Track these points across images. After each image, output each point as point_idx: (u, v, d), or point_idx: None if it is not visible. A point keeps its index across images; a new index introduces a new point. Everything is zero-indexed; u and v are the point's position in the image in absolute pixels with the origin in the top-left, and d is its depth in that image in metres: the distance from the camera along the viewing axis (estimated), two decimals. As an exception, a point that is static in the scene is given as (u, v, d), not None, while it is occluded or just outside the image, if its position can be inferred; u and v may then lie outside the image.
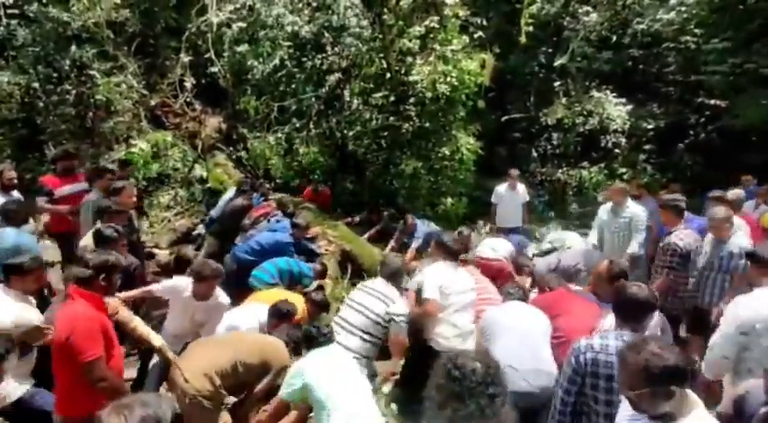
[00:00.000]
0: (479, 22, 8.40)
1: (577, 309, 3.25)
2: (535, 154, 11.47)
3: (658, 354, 1.61)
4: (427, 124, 7.57)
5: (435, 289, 3.30)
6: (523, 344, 2.96)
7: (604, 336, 2.26)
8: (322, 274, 4.53)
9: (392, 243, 6.67)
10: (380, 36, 7.31)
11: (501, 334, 3.04)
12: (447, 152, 7.55)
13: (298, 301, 3.73)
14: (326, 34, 7.66)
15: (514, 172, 6.97)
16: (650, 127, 10.66)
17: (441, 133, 7.63)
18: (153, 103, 8.41)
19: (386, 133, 7.96)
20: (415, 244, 6.26)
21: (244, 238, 5.49)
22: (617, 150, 10.90)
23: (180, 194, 7.77)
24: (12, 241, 3.80)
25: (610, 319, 2.54)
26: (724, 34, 9.17)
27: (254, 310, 3.62)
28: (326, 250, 5.64)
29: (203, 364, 2.79)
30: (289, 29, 7.43)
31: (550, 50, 10.85)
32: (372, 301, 3.39)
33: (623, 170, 10.37)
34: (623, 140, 10.71)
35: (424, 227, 6.43)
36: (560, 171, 11.08)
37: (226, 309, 3.64)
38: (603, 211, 5.37)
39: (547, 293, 3.39)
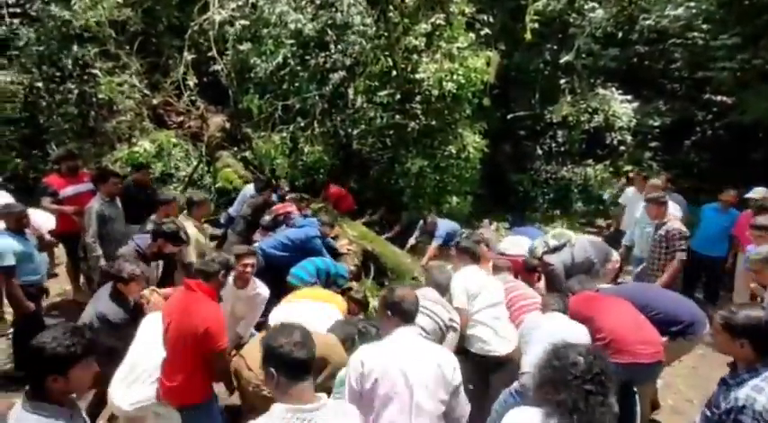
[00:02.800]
0: (485, 19, 8.32)
1: (613, 307, 3.25)
2: (540, 151, 11.40)
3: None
4: (433, 122, 7.50)
5: (463, 296, 3.37)
6: None
7: None
8: (356, 276, 4.54)
9: (411, 240, 6.65)
10: (385, 34, 7.23)
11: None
12: (453, 150, 7.47)
13: (340, 300, 3.84)
14: (330, 32, 7.57)
15: (642, 173, 7.02)
16: (656, 124, 10.58)
17: (447, 131, 7.56)
18: (155, 102, 8.36)
19: (391, 132, 7.91)
20: (435, 243, 6.23)
21: (264, 235, 5.40)
22: (622, 148, 10.83)
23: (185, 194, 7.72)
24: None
25: None
26: (732, 30, 9.06)
27: (322, 309, 3.62)
28: (348, 250, 5.55)
29: None
30: (292, 27, 7.34)
31: (555, 47, 10.75)
32: (435, 306, 3.25)
33: (629, 168, 10.29)
34: (629, 138, 10.63)
35: (444, 226, 6.39)
36: (565, 169, 11.02)
37: (265, 301, 3.83)
38: (639, 207, 5.63)
39: (578, 296, 3.34)
